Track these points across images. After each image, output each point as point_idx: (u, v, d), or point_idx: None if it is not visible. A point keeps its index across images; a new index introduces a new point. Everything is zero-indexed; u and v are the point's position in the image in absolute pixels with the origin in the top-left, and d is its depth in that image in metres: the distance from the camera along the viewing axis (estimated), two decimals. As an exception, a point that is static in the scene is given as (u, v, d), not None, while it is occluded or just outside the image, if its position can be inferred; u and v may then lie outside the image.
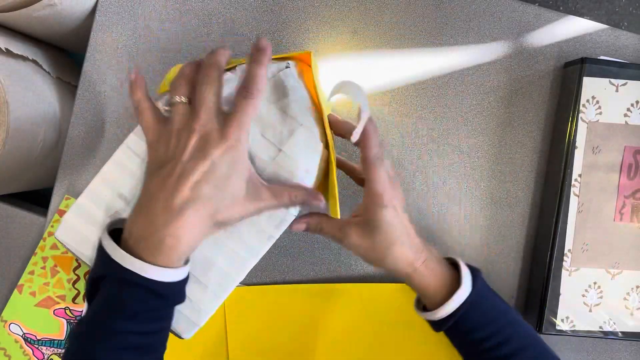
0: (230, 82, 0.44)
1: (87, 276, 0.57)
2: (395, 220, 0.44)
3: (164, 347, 0.42)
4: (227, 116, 0.40)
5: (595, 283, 0.57)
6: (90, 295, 0.40)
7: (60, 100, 0.63)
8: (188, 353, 0.58)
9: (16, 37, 0.60)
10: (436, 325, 0.47)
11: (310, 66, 0.48)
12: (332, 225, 0.47)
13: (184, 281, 0.41)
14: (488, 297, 0.48)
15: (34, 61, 0.60)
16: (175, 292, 0.40)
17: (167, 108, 0.42)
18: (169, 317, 0.41)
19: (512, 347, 0.46)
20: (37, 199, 0.78)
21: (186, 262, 0.41)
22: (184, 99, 0.41)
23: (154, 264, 0.37)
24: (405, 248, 0.45)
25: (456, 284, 0.46)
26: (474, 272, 0.47)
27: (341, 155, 0.61)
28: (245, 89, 0.40)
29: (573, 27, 0.60)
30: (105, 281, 0.39)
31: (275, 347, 0.59)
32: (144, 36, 0.58)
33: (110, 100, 0.59)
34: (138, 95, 0.43)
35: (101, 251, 0.39)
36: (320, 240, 0.60)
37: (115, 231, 0.41)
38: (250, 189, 0.41)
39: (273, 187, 0.42)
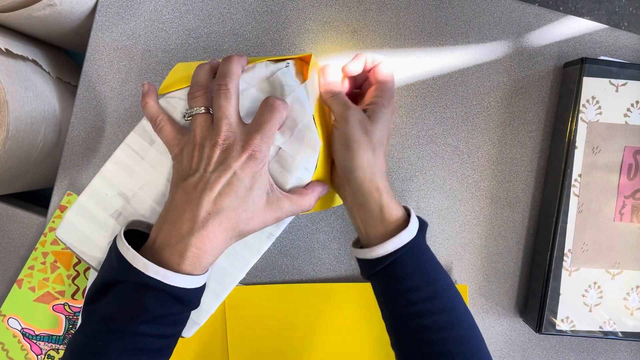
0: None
1: (87, 273, 0.57)
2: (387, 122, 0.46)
3: (173, 349, 0.43)
4: (250, 127, 0.41)
5: (595, 283, 0.57)
6: (96, 297, 0.40)
7: (60, 100, 0.63)
8: (188, 352, 0.58)
9: (16, 37, 0.60)
10: (369, 265, 0.45)
11: (308, 64, 0.48)
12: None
13: (203, 287, 0.42)
14: (427, 251, 0.46)
15: (34, 61, 0.60)
16: (194, 298, 0.41)
17: (187, 118, 0.43)
18: (184, 321, 0.42)
19: (441, 304, 0.43)
20: (37, 199, 0.78)
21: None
22: (203, 110, 0.42)
23: (177, 272, 0.38)
24: (383, 157, 0.46)
25: (402, 227, 0.44)
26: (422, 223, 0.46)
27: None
28: (273, 101, 0.41)
29: (573, 27, 0.60)
30: (121, 285, 0.39)
31: (275, 346, 0.59)
32: (144, 36, 0.59)
33: (110, 100, 0.59)
34: (153, 108, 0.43)
35: (118, 257, 0.39)
36: (320, 240, 0.60)
37: (127, 234, 0.41)
38: (271, 199, 0.41)
39: (291, 195, 0.42)
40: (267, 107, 0.41)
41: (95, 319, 0.39)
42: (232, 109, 0.41)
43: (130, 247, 0.39)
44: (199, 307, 0.44)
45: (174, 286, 0.38)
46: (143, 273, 0.38)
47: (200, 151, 0.40)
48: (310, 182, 0.45)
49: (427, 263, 0.45)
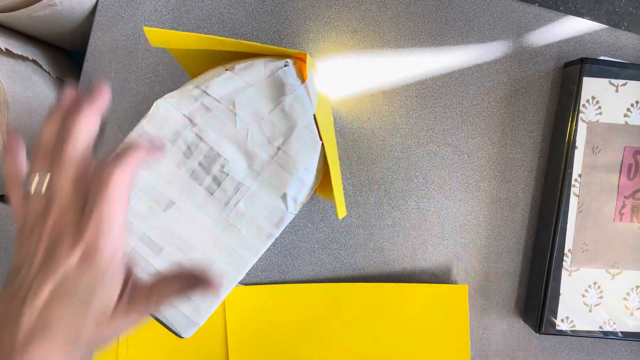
0: (232, 81, 0.44)
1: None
2: None
3: None
4: (87, 209, 0.30)
5: (595, 283, 0.57)
6: None
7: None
8: (188, 353, 0.58)
9: (16, 37, 0.60)
10: None
11: (305, 63, 0.48)
12: None
13: None
14: None
15: (34, 61, 0.60)
16: None
17: (30, 188, 0.33)
18: None
19: None
20: (37, 199, 0.78)
21: None
22: (44, 178, 0.32)
23: None
24: None
25: None
26: None
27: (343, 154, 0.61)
28: (105, 172, 0.30)
29: (573, 27, 0.60)
30: None
31: (275, 347, 0.59)
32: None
33: (111, 100, 0.59)
34: (9, 166, 0.34)
35: None
36: (320, 240, 0.60)
37: None
38: (126, 296, 0.32)
39: (154, 284, 0.32)
40: (98, 180, 0.30)
41: None
42: (67, 181, 0.31)
43: None
44: (198, 307, 0.44)
45: None
46: None
47: (29, 237, 0.31)
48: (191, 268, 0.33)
49: None
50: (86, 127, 0.31)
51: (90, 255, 0.30)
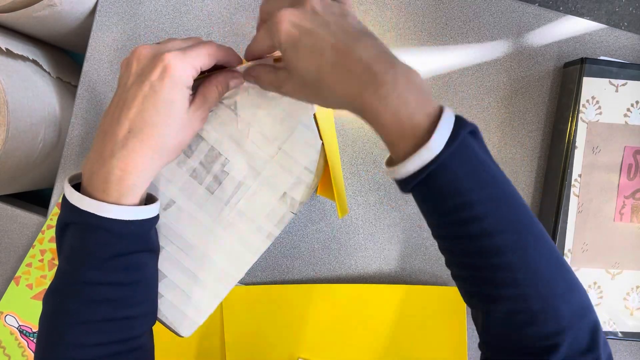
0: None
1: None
2: (303, 50, 0.35)
3: (148, 305, 0.41)
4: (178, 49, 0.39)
5: (595, 283, 0.57)
6: (58, 241, 0.40)
7: (60, 100, 0.63)
8: (186, 352, 0.58)
9: (16, 37, 0.60)
10: (401, 184, 0.37)
11: None
12: (271, 78, 0.40)
13: (149, 222, 0.40)
14: (470, 159, 0.35)
15: (34, 61, 0.60)
16: (139, 234, 0.39)
17: None
18: (142, 267, 0.40)
19: (485, 227, 0.34)
20: (37, 199, 0.78)
21: (149, 201, 0.41)
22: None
23: (104, 201, 0.37)
24: (333, 77, 0.35)
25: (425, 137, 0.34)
26: (460, 124, 0.35)
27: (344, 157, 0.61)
28: (208, 42, 0.41)
29: (573, 27, 0.60)
30: (69, 229, 0.38)
31: (273, 347, 0.59)
32: (144, 36, 0.58)
33: (110, 100, 0.59)
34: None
35: (63, 198, 0.39)
36: (320, 240, 0.60)
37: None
38: (191, 107, 0.40)
39: (199, 90, 0.41)
40: (200, 41, 0.40)
41: (57, 273, 0.39)
42: (175, 43, 0.40)
43: (69, 185, 0.38)
44: (198, 306, 0.44)
45: (109, 219, 0.37)
46: (80, 209, 0.37)
47: (128, 66, 0.39)
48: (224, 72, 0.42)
49: (471, 177, 0.34)
50: (224, 56, 0.42)
51: (169, 67, 0.37)
